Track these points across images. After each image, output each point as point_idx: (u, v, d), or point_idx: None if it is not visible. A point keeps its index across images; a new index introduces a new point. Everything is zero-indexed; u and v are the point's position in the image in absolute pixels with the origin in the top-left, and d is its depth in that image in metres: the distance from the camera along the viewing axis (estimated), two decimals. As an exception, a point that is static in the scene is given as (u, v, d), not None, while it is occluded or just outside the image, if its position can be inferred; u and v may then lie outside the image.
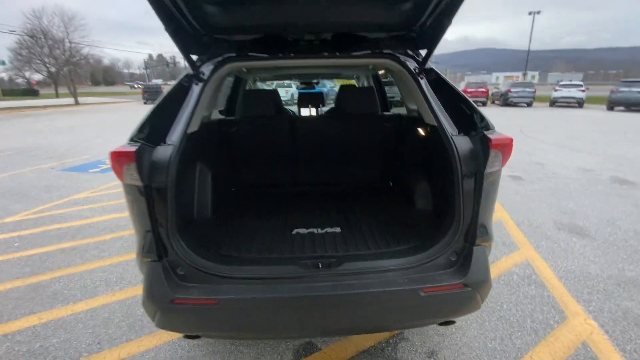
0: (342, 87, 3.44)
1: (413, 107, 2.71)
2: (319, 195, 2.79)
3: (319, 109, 4.24)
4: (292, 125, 2.90)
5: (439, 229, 1.73)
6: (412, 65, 1.96)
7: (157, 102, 1.74)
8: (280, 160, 3.03)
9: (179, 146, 1.58)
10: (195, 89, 1.84)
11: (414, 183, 2.40)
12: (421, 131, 2.34)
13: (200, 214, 2.18)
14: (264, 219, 2.27)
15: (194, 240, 1.80)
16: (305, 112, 4.41)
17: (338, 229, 2.03)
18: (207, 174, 2.27)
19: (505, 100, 22.62)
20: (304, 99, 4.14)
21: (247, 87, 4.45)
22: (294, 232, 2.02)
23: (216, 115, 3.20)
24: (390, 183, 2.95)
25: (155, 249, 1.50)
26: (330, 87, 18.01)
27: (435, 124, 1.77)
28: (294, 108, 5.18)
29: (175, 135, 1.63)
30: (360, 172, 3.09)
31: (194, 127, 1.88)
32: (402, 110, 3.03)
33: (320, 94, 4.14)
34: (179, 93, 1.83)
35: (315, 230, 2.02)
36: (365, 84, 4.61)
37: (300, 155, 3.02)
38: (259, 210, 2.46)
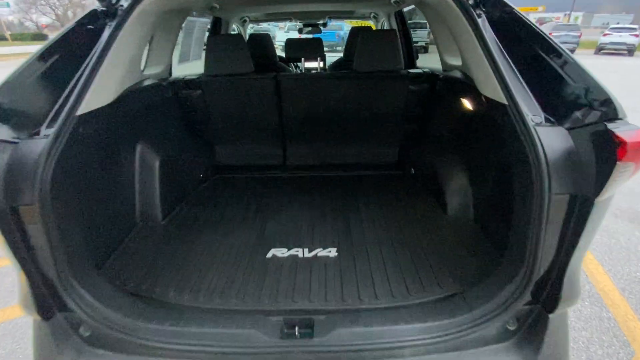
0: (352, 30, 2.63)
1: (455, 62, 1.94)
2: (313, 186, 2.17)
3: (319, 61, 3.30)
4: (278, 86, 2.17)
5: (489, 271, 1.13)
6: None
7: (29, 58, 1.10)
8: (264, 135, 2.37)
9: (57, 137, 0.99)
10: (105, 34, 1.18)
11: (447, 175, 1.74)
12: (468, 104, 1.62)
13: (145, 219, 1.64)
14: (232, 227, 1.70)
15: (122, 271, 1.28)
16: (312, 65, 3.50)
17: (333, 252, 1.45)
18: (152, 161, 1.68)
19: (543, 47, 20.08)
20: (295, 49, 3.15)
21: (237, 32, 3.59)
22: (269, 254, 1.46)
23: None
24: (412, 170, 2.27)
25: (35, 304, 0.98)
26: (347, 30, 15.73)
27: (501, 99, 1.06)
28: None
29: (62, 117, 1.03)
30: (372, 153, 2.40)
31: (104, 98, 1.26)
32: (431, 62, 2.25)
33: (318, 41, 3.15)
34: (78, 41, 1.19)
35: (299, 253, 1.45)
36: (386, 26, 3.64)
37: (289, 129, 2.34)
38: (229, 211, 1.88)
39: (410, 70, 2.29)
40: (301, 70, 3.34)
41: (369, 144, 2.39)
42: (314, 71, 3.23)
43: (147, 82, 1.78)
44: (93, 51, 1.16)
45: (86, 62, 1.15)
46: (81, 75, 1.10)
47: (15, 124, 0.99)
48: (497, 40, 1.12)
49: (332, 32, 13.65)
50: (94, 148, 1.27)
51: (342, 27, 15.20)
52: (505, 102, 1.04)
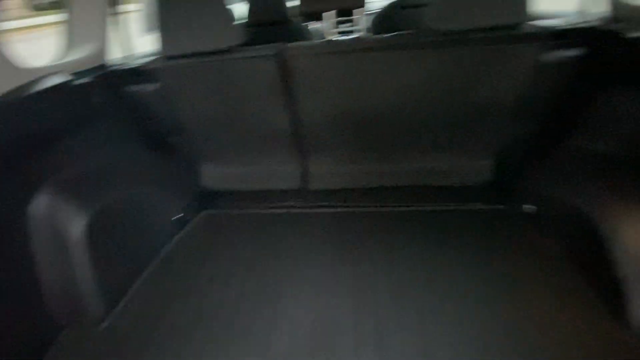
0: None
1: None
2: (354, 233, 1.35)
3: (359, 17, 1.66)
4: (285, 68, 1.30)
5: None
6: None
7: None
8: (269, 144, 1.57)
9: None
10: None
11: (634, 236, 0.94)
12: None
13: (71, 323, 1.06)
14: (217, 327, 1.02)
15: None
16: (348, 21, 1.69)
17: None
18: (71, 222, 1.04)
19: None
20: None
21: None
22: None
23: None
24: (527, 207, 1.32)
25: None
26: None
27: None
28: None
29: None
30: (444, 168, 1.53)
31: None
32: None
33: None
34: None
35: None
36: None
37: (308, 134, 1.51)
38: (208, 307, 1.10)
39: (542, 23, 1.21)
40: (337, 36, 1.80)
41: (439, 152, 1.50)
42: (349, 35, 1.78)
43: (47, 83, 1.04)
44: None
45: None
46: None
47: None
48: None
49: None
50: None
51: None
52: None
